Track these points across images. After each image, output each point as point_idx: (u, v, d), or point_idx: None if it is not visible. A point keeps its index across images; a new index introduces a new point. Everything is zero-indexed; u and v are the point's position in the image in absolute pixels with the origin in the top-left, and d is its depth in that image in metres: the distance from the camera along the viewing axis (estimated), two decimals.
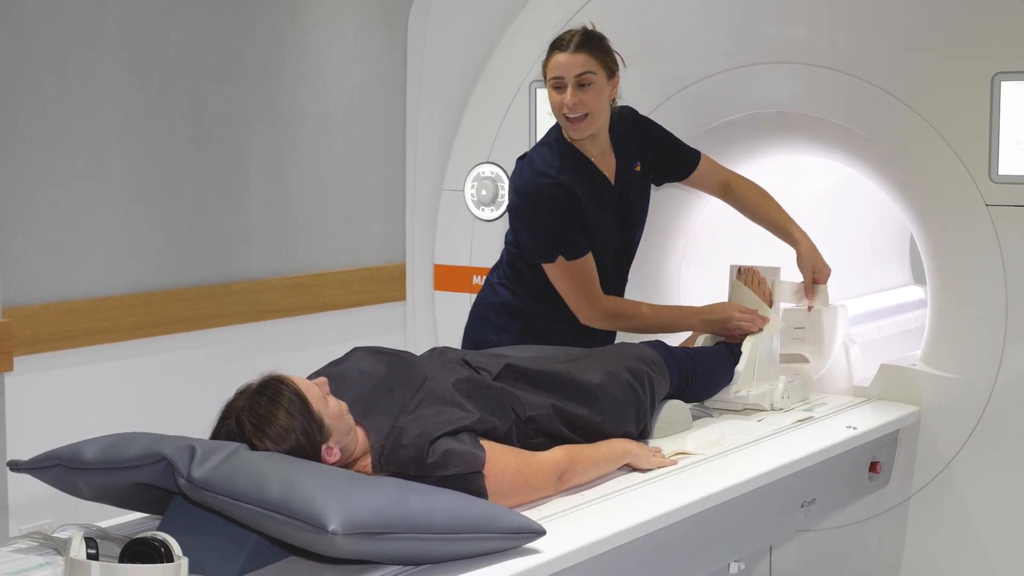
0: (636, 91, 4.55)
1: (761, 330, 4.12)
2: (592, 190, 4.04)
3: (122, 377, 5.75)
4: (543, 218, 3.98)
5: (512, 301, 4.15)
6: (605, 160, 4.11)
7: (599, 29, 4.06)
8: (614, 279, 4.20)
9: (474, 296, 4.80)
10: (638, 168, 4.18)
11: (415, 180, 5.27)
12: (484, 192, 4.98)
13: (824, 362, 4.46)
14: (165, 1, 6.05)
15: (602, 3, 4.65)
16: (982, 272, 4.13)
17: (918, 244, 4.37)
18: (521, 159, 4.13)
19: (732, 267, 4.31)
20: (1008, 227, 4.07)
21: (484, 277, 4.73)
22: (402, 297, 5.45)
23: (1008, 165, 4.06)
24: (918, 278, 5.36)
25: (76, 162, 5.69)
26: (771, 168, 4.83)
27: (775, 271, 4.25)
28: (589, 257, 4.03)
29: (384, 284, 6.91)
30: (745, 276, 4.27)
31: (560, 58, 3.94)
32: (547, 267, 4.03)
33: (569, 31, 4.00)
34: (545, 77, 3.99)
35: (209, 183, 6.26)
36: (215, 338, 6.12)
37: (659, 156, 4.23)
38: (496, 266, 4.28)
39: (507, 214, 4.21)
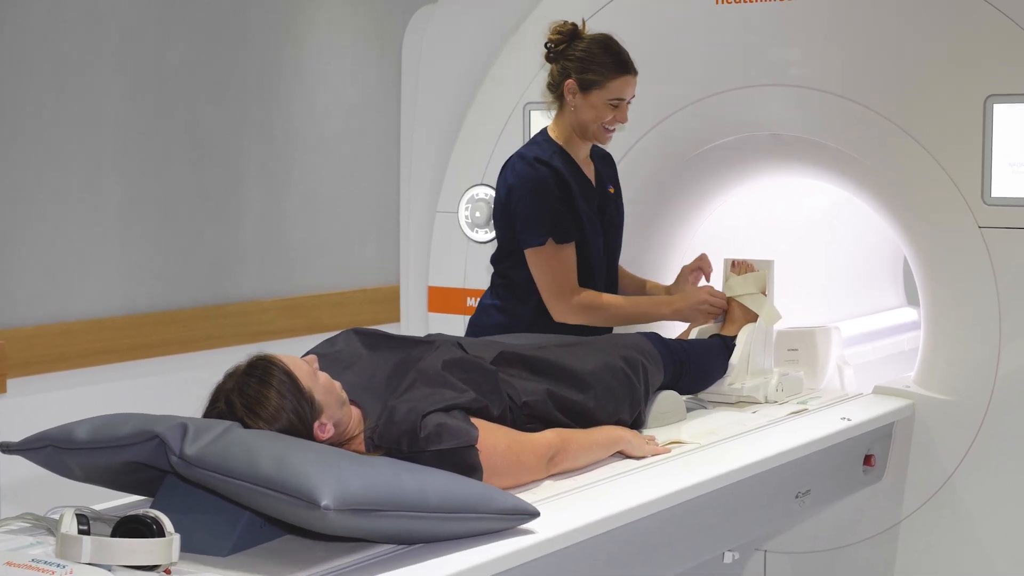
0: (631, 113, 4.55)
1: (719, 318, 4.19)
2: (579, 185, 4.10)
3: (116, 399, 5.70)
4: (537, 199, 4.01)
5: (508, 321, 4.14)
6: (587, 167, 4.20)
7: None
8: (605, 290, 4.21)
9: (467, 318, 4.81)
10: (612, 190, 4.26)
11: (409, 202, 5.28)
12: (478, 214, 4.99)
13: (818, 383, 4.46)
14: (161, 22, 6.08)
15: (598, 25, 4.65)
16: (975, 294, 4.12)
17: (911, 266, 4.37)
18: (508, 160, 4.16)
19: (726, 260, 4.33)
20: (1001, 249, 4.07)
21: (478, 299, 4.74)
22: (396, 319, 5.45)
23: (1001, 187, 4.07)
24: (912, 300, 5.37)
25: (70, 183, 5.71)
26: (765, 190, 4.85)
27: (769, 264, 4.26)
28: (573, 248, 4.05)
29: (378, 306, 6.92)
30: (739, 269, 4.29)
31: (630, 80, 4.09)
32: (530, 254, 4.03)
33: (618, 45, 4.09)
34: (601, 91, 4.05)
35: (204, 204, 6.27)
36: (210, 360, 6.11)
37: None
38: (489, 290, 4.28)
39: (494, 219, 4.20)
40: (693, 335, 4.17)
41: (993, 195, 4.07)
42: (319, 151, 6.88)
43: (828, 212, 5.17)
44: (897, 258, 5.45)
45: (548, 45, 4.10)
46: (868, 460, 4.06)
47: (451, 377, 3.07)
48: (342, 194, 7.00)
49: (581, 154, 4.18)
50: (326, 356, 3.13)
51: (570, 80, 4.05)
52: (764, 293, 4.22)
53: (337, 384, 2.94)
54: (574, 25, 4.09)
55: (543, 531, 2.71)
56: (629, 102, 4.11)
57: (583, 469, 3.23)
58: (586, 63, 4.04)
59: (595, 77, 4.04)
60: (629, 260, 4.52)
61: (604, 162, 4.29)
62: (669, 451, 3.42)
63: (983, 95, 4.07)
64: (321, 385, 2.87)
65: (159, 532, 2.41)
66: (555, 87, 4.11)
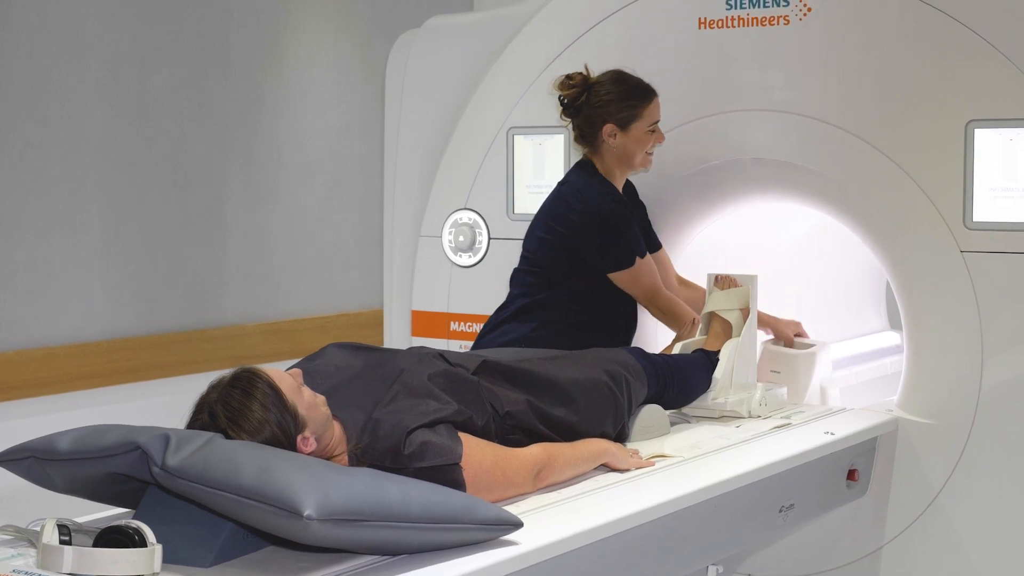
0: None
1: None
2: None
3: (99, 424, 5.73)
4: (621, 227, 4.19)
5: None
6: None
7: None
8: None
9: (451, 343, 4.80)
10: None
11: (393, 226, 5.28)
12: (462, 238, 4.99)
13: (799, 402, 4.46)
14: (144, 46, 6.09)
15: (580, 51, 4.69)
16: (957, 318, 4.13)
17: (894, 290, 4.37)
18: (563, 186, 4.32)
19: (709, 275, 4.36)
20: (983, 273, 4.08)
21: (461, 324, 4.75)
22: (380, 342, 5.45)
23: (982, 212, 4.08)
24: (895, 324, 5.37)
25: (53, 207, 5.70)
26: (748, 214, 4.85)
27: (752, 279, 4.28)
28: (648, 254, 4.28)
29: (362, 330, 6.91)
30: (722, 284, 4.31)
31: (658, 101, 4.28)
32: (621, 275, 4.22)
33: (634, 77, 4.25)
34: (640, 122, 4.22)
35: (187, 228, 6.27)
36: (193, 384, 6.06)
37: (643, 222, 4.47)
38: (516, 316, 4.30)
39: (543, 249, 4.29)
40: (676, 350, 4.19)
41: (975, 220, 4.09)
42: (302, 175, 6.89)
43: (811, 236, 5.17)
44: (880, 282, 5.45)
45: (563, 100, 4.23)
46: (852, 475, 4.07)
47: (435, 388, 3.07)
48: (325, 218, 7.01)
49: (619, 187, 4.33)
50: (307, 370, 3.12)
51: (608, 125, 4.19)
52: (747, 308, 4.25)
53: (320, 399, 2.93)
54: (581, 75, 4.22)
55: (526, 542, 2.71)
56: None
57: (568, 481, 3.23)
58: (618, 103, 4.19)
59: (631, 112, 4.19)
60: None
61: (633, 202, 4.46)
62: (653, 464, 3.43)
63: (964, 120, 4.08)
64: (305, 400, 2.87)
65: (141, 542, 2.41)
66: (589, 136, 4.25)
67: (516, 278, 4.37)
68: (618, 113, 4.19)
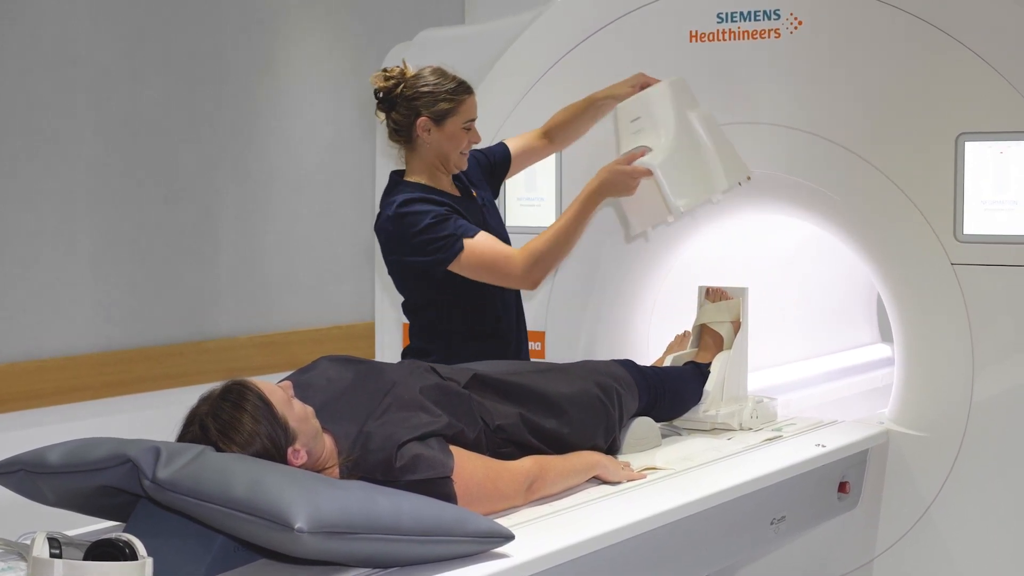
0: (606, 151, 4.58)
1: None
2: (453, 202, 4.07)
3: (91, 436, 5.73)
4: (424, 221, 3.94)
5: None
6: (452, 189, 4.17)
7: (571, 90, 4.24)
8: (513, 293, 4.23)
9: None
10: (475, 194, 4.24)
11: None
12: None
13: (665, 142, 4.19)
14: (136, 60, 6.09)
15: (568, 66, 4.71)
16: (948, 331, 4.14)
17: (885, 303, 4.38)
18: (379, 218, 4.10)
19: (700, 288, 4.36)
20: (974, 286, 4.09)
21: None
22: (371, 355, 5.45)
23: (973, 225, 4.09)
24: (886, 336, 5.38)
25: (44, 220, 5.70)
26: (740, 226, 4.86)
27: (743, 291, 4.29)
28: (483, 232, 3.98)
29: (354, 342, 6.92)
30: (713, 296, 4.32)
31: (475, 99, 4.09)
32: (457, 265, 3.94)
33: (452, 73, 4.09)
34: (455, 118, 4.04)
35: (180, 241, 6.27)
36: (186, 397, 6.06)
37: (478, 170, 4.33)
38: (415, 349, 4.20)
39: (399, 277, 4.12)
40: (668, 362, 4.20)
41: (966, 232, 4.09)
42: (295, 188, 6.90)
43: (802, 249, 5.18)
44: (871, 295, 5.46)
45: (378, 93, 4.05)
46: (843, 487, 4.08)
47: (427, 402, 3.08)
48: (318, 231, 7.01)
49: (446, 184, 4.14)
50: (299, 383, 3.12)
51: (422, 118, 4.01)
52: (738, 320, 4.25)
53: (310, 411, 2.93)
54: (399, 68, 4.06)
55: (518, 555, 2.71)
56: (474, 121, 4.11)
57: (559, 494, 3.24)
58: (434, 96, 4.01)
59: (447, 105, 4.01)
60: (611, 293, 4.52)
61: (459, 179, 4.23)
62: (645, 477, 3.44)
63: (955, 133, 4.09)
64: (295, 412, 2.88)
65: (132, 556, 2.41)
66: (404, 130, 4.05)
67: (405, 313, 4.25)
68: (433, 106, 4.00)
